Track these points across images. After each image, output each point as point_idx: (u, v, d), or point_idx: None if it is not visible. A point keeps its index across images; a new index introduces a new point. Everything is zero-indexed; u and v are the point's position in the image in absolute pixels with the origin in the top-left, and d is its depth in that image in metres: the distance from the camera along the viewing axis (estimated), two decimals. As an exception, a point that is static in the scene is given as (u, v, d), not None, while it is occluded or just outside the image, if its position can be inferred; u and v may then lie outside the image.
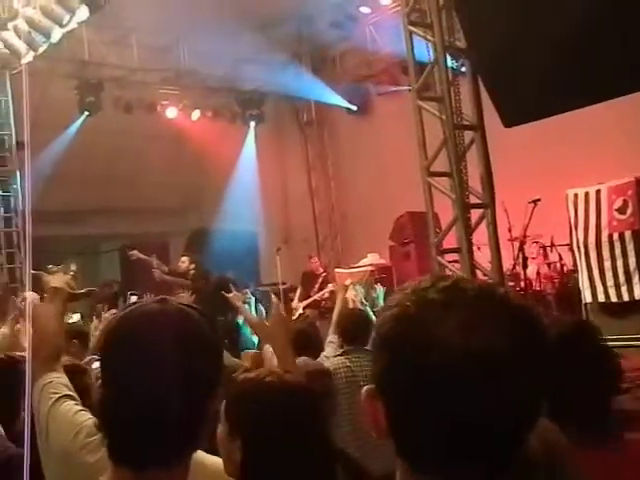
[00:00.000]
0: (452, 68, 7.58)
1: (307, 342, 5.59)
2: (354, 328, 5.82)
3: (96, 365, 4.95)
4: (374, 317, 7.51)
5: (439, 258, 7.28)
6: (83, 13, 9.87)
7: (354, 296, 10.43)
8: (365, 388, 1.04)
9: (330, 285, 12.60)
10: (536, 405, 1.00)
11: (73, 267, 2.65)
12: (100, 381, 1.47)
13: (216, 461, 1.84)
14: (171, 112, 14.51)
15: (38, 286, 2.64)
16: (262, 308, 10.72)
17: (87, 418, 1.92)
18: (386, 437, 1.00)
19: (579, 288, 8.47)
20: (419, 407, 0.96)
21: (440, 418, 0.94)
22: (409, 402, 0.97)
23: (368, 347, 5.70)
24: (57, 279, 2.46)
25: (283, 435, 1.85)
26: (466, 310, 0.96)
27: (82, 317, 9.31)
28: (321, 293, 12.46)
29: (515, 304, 1.00)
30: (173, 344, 1.42)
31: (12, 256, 11.39)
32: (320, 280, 12.70)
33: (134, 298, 8.62)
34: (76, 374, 2.72)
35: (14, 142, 11.65)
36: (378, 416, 1.01)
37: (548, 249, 10.49)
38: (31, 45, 10.65)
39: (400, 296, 1.01)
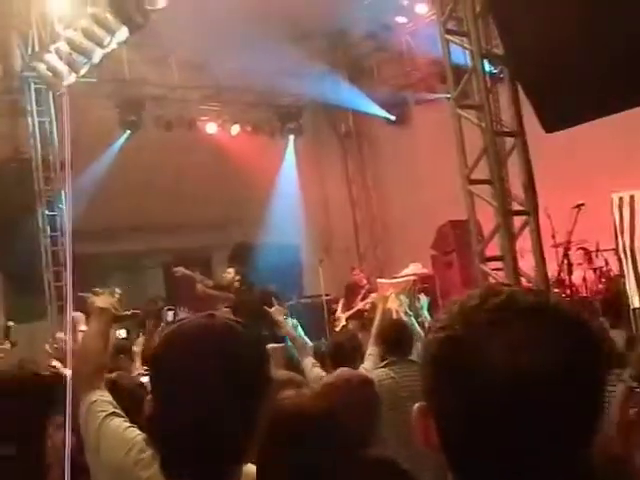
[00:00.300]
0: (490, 73, 7.53)
1: (343, 354, 5.59)
2: (396, 338, 5.80)
3: (144, 380, 5.01)
4: (418, 327, 7.48)
5: (482, 266, 7.22)
6: (123, 33, 10.05)
7: (398, 306, 10.38)
8: (416, 405, 1.04)
9: (372, 295, 12.57)
10: (590, 425, 0.98)
11: (118, 290, 2.70)
12: (150, 396, 1.49)
13: None
14: (211, 128, 14.66)
15: (85, 307, 2.69)
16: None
17: (137, 434, 1.94)
18: (438, 452, 1.00)
19: (627, 293, 8.33)
20: (469, 426, 0.96)
21: (491, 437, 0.94)
22: (459, 421, 0.97)
23: (412, 357, 5.67)
24: (102, 300, 2.51)
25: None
26: (515, 330, 0.95)
27: (128, 333, 9.41)
28: (363, 303, 12.44)
29: (569, 320, 0.98)
30: (221, 359, 1.43)
31: (59, 274, 11.57)
32: (364, 291, 12.68)
33: (170, 313, 8.68)
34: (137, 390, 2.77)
35: (58, 162, 11.86)
36: (429, 432, 1.01)
37: (593, 254, 10.34)
38: (73, 67, 10.88)
39: (448, 317, 1.01)
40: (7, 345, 7.13)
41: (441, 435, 1.00)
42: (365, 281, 13.13)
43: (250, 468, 1.70)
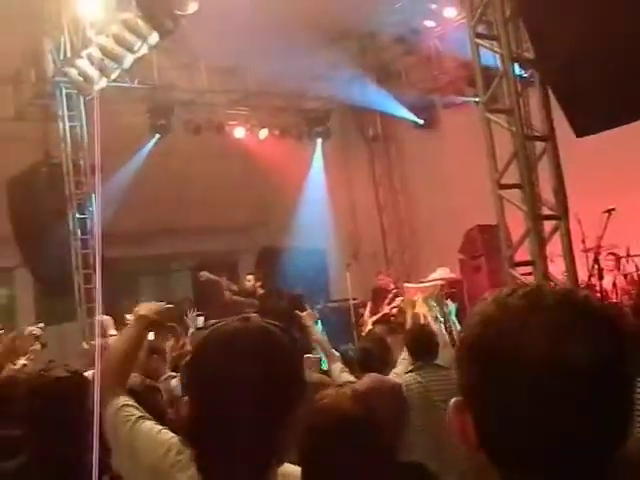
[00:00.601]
0: (520, 76, 7.49)
1: (371, 359, 5.61)
2: (422, 343, 5.82)
3: (174, 383, 5.04)
4: (445, 332, 7.44)
5: (512, 271, 7.17)
6: (153, 39, 10.15)
7: (427, 311, 10.33)
8: (453, 400, 1.03)
9: (398, 299, 12.54)
10: (626, 421, 0.98)
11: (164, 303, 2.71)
12: (187, 397, 1.51)
13: (296, 470, 1.86)
14: (239, 132, 14.75)
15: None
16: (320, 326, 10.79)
17: (171, 436, 1.96)
18: (476, 450, 0.99)
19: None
20: (510, 418, 0.95)
21: (532, 429, 0.94)
22: (500, 414, 0.96)
23: (438, 361, 5.68)
24: (145, 307, 2.52)
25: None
26: (550, 313, 0.95)
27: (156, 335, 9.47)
28: (389, 307, 12.42)
29: (598, 308, 0.99)
30: (257, 361, 1.45)
31: (89, 277, 11.69)
32: (390, 295, 12.66)
33: (201, 319, 8.73)
34: (149, 393, 2.79)
35: (88, 166, 11.99)
36: (467, 429, 1.00)
37: (623, 260, 10.24)
38: (104, 72, 11.01)
39: (482, 306, 1.02)
40: (37, 346, 7.23)
41: (479, 429, 0.99)
42: (392, 285, 13.11)
43: (287, 468, 1.71)
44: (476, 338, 0.99)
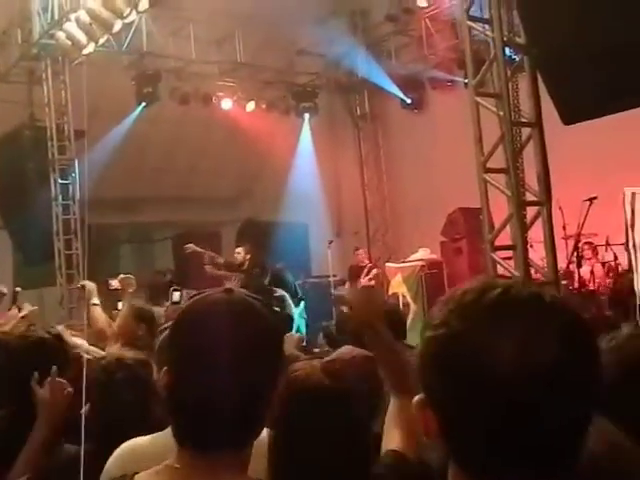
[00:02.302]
0: (510, 59, 7.48)
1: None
2: (389, 323, 5.82)
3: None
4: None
5: (493, 255, 7.22)
6: (143, 4, 10.03)
7: (406, 291, 10.41)
8: (415, 399, 1.05)
9: (374, 270, 12.60)
10: (588, 416, 1.01)
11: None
12: (166, 367, 1.51)
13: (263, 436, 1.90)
14: (226, 103, 14.64)
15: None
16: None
17: None
18: (439, 442, 1.03)
19: (634, 289, 8.32)
20: (471, 419, 0.97)
21: (491, 429, 0.96)
22: (460, 415, 0.98)
23: (406, 341, 5.72)
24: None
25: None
26: (514, 326, 0.96)
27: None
28: (367, 279, 12.43)
29: (565, 315, 0.99)
30: (238, 333, 1.45)
31: (69, 242, 11.64)
32: (366, 271, 12.68)
33: (177, 294, 8.71)
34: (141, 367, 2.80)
35: (73, 131, 11.88)
36: (430, 423, 1.03)
37: (603, 248, 10.33)
38: (92, 36, 10.87)
39: (444, 313, 1.01)
40: (15, 311, 7.18)
41: (441, 427, 1.02)
42: (367, 261, 13.13)
43: (263, 437, 1.72)
44: (438, 350, 1.00)
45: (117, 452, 2.10)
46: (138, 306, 5.01)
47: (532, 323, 0.96)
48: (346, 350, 4.45)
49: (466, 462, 1.01)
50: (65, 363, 2.97)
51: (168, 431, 2.02)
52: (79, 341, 4.07)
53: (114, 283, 5.57)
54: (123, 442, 2.51)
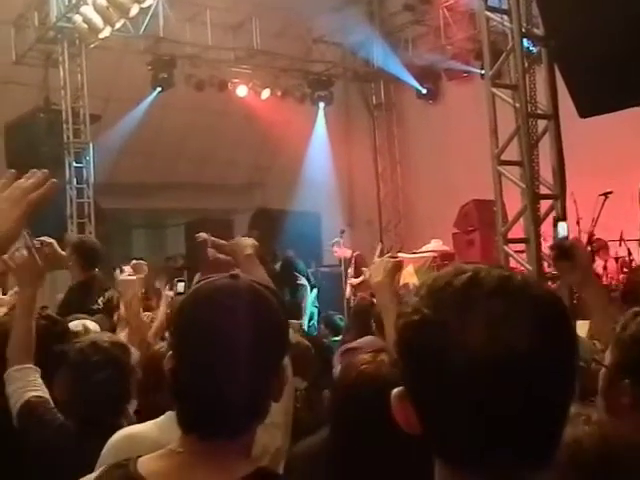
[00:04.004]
0: (528, 50, 7.41)
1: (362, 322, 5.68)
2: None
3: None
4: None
5: (505, 248, 7.18)
6: (160, -11, 10.03)
7: (417, 282, 10.34)
8: (395, 391, 1.05)
9: (364, 269, 12.49)
10: (566, 399, 1.00)
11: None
12: (171, 352, 1.51)
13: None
14: (241, 90, 14.62)
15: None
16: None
17: None
18: (420, 436, 1.02)
19: (647, 285, 8.25)
20: (447, 408, 0.97)
21: (469, 417, 0.96)
22: (437, 404, 0.98)
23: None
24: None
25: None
26: (484, 310, 0.96)
27: (145, 292, 9.45)
28: (357, 281, 12.27)
29: (537, 295, 0.99)
30: (242, 319, 1.45)
31: (83, 225, 11.68)
32: (353, 262, 12.53)
33: (181, 285, 8.69)
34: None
35: (88, 115, 11.91)
36: (409, 416, 1.03)
37: (616, 244, 10.25)
38: (108, 20, 10.87)
39: (417, 300, 1.02)
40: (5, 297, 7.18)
41: (421, 418, 1.01)
42: (350, 252, 12.93)
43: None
44: (412, 337, 1.00)
45: (113, 440, 2.09)
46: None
47: (501, 306, 0.96)
48: (370, 341, 4.44)
49: (446, 453, 1.01)
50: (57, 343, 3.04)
51: (167, 417, 2.03)
52: (91, 325, 4.08)
53: (126, 269, 5.58)
54: (101, 422, 2.58)
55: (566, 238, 2.33)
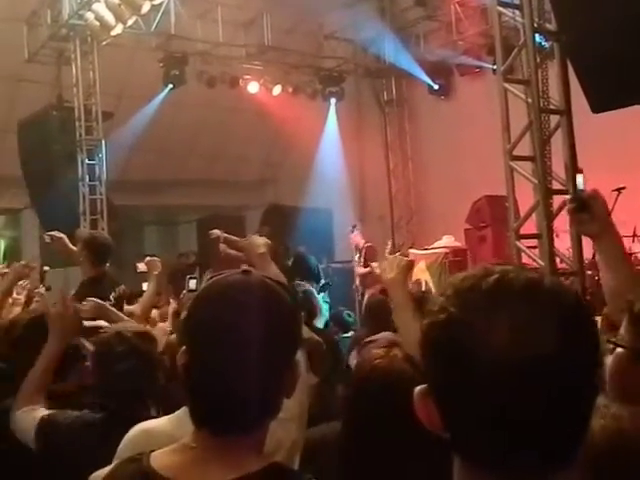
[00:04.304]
0: (540, 45, 7.38)
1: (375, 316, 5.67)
2: (420, 308, 5.86)
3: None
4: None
5: (517, 243, 7.16)
6: (172, -14, 10.03)
7: (429, 278, 10.35)
8: (418, 388, 1.06)
9: (374, 264, 12.45)
10: (589, 401, 1.00)
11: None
12: (184, 347, 1.52)
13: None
14: (253, 87, 14.62)
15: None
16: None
17: None
18: (441, 432, 1.02)
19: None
20: (470, 409, 0.97)
21: (492, 419, 0.96)
22: (460, 404, 0.98)
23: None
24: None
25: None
26: (512, 312, 0.96)
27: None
28: (364, 271, 12.30)
29: (564, 300, 0.99)
30: (255, 314, 1.45)
31: (95, 222, 11.73)
32: (364, 252, 12.54)
33: (193, 282, 8.71)
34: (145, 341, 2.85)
35: (100, 112, 11.94)
36: (431, 414, 1.03)
37: (630, 239, 10.19)
38: (120, 17, 10.90)
39: (444, 299, 1.02)
40: (42, 289, 7.26)
41: (443, 417, 1.01)
42: (364, 241, 12.90)
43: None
44: (438, 336, 1.00)
45: (130, 435, 2.10)
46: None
47: (528, 308, 0.96)
48: (388, 337, 4.45)
49: (468, 453, 1.01)
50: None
51: (182, 412, 2.03)
52: (102, 322, 4.10)
53: (141, 266, 5.62)
54: (125, 413, 2.58)
55: (583, 191, 2.30)
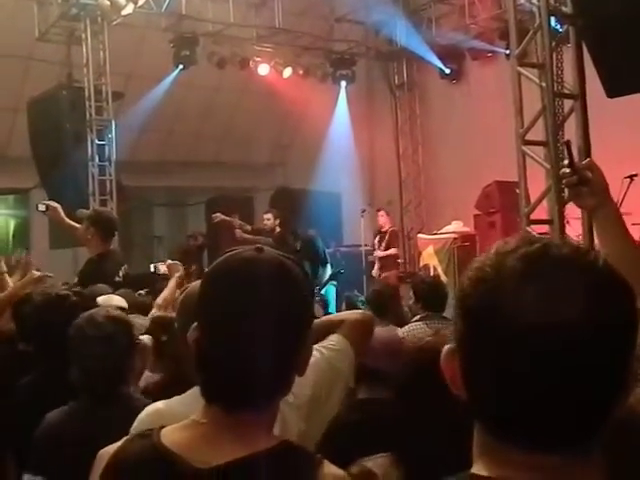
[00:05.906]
0: (555, 30, 7.30)
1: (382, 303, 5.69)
2: (431, 293, 5.88)
3: None
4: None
5: (528, 229, 7.13)
6: (183, -34, 9.97)
7: (437, 263, 10.32)
8: (446, 347, 1.04)
9: (392, 250, 12.57)
10: (620, 377, 0.96)
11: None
12: (196, 323, 1.50)
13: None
14: (263, 69, 14.56)
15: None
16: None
17: None
18: (462, 393, 1.01)
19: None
20: (496, 373, 0.95)
21: (518, 384, 0.94)
22: (486, 367, 0.97)
23: (445, 314, 5.72)
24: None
25: None
26: (547, 279, 0.94)
27: None
28: (384, 253, 12.39)
29: (603, 274, 0.96)
30: (268, 290, 1.44)
31: (104, 203, 11.72)
32: (387, 237, 12.58)
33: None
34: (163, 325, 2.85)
35: (110, 92, 11.91)
36: (455, 374, 1.02)
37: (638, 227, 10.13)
38: (131, -3, 10.85)
39: (481, 260, 1.01)
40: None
41: (466, 377, 1.00)
42: (389, 225, 12.94)
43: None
44: (469, 295, 0.99)
45: (142, 415, 2.08)
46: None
47: (564, 276, 0.94)
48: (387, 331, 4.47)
49: (488, 418, 1.00)
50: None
51: (193, 392, 2.02)
52: (116, 299, 4.12)
53: (162, 269, 5.68)
54: (104, 397, 2.70)
55: (577, 162, 2.20)
